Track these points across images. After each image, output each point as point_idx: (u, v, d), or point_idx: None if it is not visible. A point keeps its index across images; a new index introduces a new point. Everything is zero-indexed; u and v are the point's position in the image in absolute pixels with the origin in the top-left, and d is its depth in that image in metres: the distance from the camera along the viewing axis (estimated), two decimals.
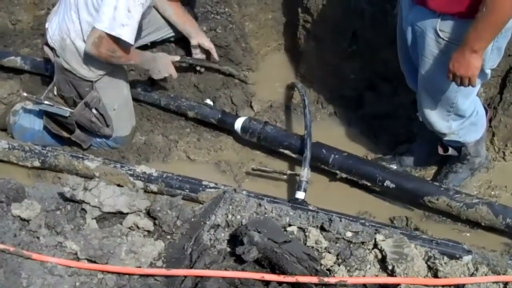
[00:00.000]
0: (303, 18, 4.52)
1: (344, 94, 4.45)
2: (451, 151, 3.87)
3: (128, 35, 3.64)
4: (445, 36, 3.12)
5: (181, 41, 4.55)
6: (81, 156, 4.06)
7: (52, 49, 3.99)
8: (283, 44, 4.84)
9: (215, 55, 4.45)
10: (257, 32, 4.80)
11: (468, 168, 3.97)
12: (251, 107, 4.59)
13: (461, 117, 3.57)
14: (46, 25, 4.03)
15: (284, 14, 4.70)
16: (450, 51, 3.08)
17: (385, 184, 3.82)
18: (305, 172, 3.82)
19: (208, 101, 4.49)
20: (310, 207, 3.59)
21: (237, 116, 4.28)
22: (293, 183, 4.00)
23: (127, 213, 3.06)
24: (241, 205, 3.04)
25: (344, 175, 3.98)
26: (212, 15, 4.58)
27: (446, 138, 3.74)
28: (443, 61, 3.14)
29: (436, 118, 3.58)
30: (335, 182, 4.12)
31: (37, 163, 4.10)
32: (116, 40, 3.68)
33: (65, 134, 4.18)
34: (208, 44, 4.41)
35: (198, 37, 4.39)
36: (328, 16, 4.25)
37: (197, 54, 4.48)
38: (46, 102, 4.02)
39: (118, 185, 3.60)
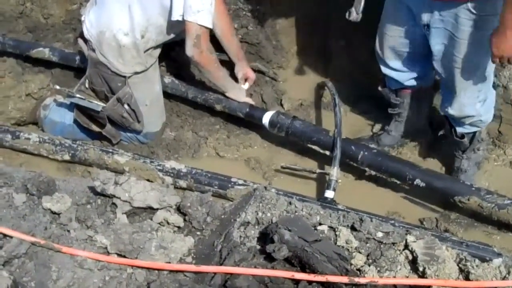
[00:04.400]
0: (334, 16, 4.50)
1: (374, 93, 4.42)
2: (465, 139, 3.85)
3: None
4: (481, 12, 3.12)
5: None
6: (111, 150, 4.07)
7: (87, 41, 3.99)
8: (314, 42, 4.80)
9: (249, 85, 4.42)
10: (288, 30, 4.78)
11: (474, 162, 3.98)
12: (281, 105, 4.57)
13: (486, 96, 3.59)
14: (82, 18, 4.02)
15: (315, 12, 4.66)
16: (488, 25, 3.10)
17: (415, 183, 3.76)
18: (334, 171, 3.79)
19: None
20: (339, 207, 3.57)
21: (265, 110, 4.23)
22: (322, 182, 3.99)
23: (157, 209, 3.06)
24: (271, 203, 3.03)
25: (373, 173, 3.94)
26: (244, 12, 4.57)
27: (468, 123, 3.73)
28: (483, 36, 3.14)
29: (467, 102, 3.58)
30: (362, 180, 4.11)
31: (67, 157, 4.11)
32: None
33: (95, 128, 4.19)
34: (243, 74, 4.38)
35: (239, 63, 4.37)
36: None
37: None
38: (78, 95, 4.03)
39: (148, 181, 3.60)
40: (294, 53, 4.87)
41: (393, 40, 3.71)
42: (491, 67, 3.43)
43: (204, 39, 3.74)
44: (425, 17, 3.38)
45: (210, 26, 3.74)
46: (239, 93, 4.26)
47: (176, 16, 3.66)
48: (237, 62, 4.34)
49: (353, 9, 3.44)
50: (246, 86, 4.40)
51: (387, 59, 3.82)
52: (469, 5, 3.12)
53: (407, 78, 3.83)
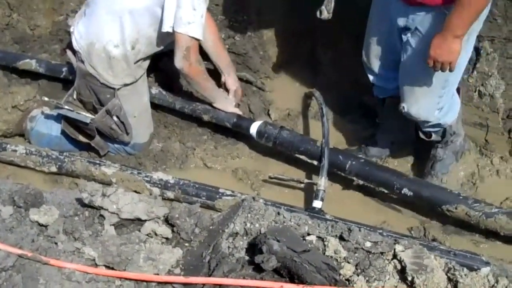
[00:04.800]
0: (321, 26, 4.52)
1: (363, 103, 4.44)
2: (434, 136, 3.90)
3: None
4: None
5: None
6: (98, 162, 4.06)
7: (75, 53, 3.99)
8: (301, 52, 4.81)
9: (237, 98, 4.42)
10: (276, 40, 4.79)
11: (451, 151, 4.00)
12: (269, 115, 4.57)
13: (445, 103, 3.62)
14: (71, 29, 4.02)
15: (302, 22, 4.68)
16: None
17: (402, 192, 3.78)
18: (322, 181, 3.80)
19: None
20: (328, 217, 3.57)
21: (252, 120, 4.24)
22: (310, 192, 3.99)
23: (145, 220, 3.06)
24: (259, 214, 3.03)
25: (361, 182, 3.95)
26: (231, 23, 4.59)
27: (428, 125, 3.77)
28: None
29: (426, 109, 3.61)
30: (350, 189, 4.12)
31: (54, 169, 4.11)
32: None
33: (83, 139, 4.17)
34: (232, 87, 4.38)
35: (227, 76, 4.36)
36: (347, 24, 4.24)
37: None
38: (66, 107, 4.02)
39: (135, 192, 3.61)
40: (282, 63, 4.87)
41: (377, 48, 3.74)
42: (455, 76, 3.47)
43: (193, 51, 3.75)
44: (401, 22, 3.42)
45: (201, 38, 3.75)
46: (226, 104, 4.27)
47: (166, 28, 3.66)
48: (226, 74, 4.34)
49: (323, 7, 3.46)
50: (233, 98, 4.40)
51: (374, 67, 3.84)
52: (443, 8, 3.16)
53: (393, 86, 3.84)
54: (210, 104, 4.25)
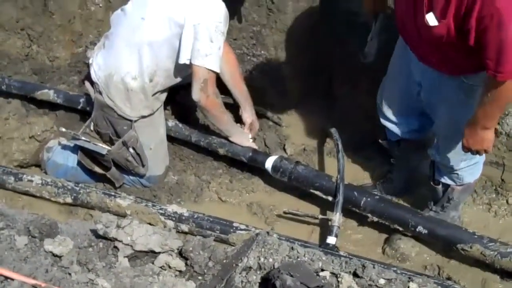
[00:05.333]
0: (339, 61, 4.55)
1: (378, 140, 4.44)
2: (439, 188, 3.87)
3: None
4: (469, 81, 3.15)
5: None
6: (113, 194, 4.09)
7: (93, 84, 4.04)
8: (318, 87, 4.84)
9: (253, 132, 4.46)
10: (292, 75, 4.83)
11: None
12: (284, 150, 4.59)
13: (473, 158, 3.59)
14: (90, 60, 4.07)
15: (319, 57, 4.72)
16: (476, 93, 3.10)
17: (417, 230, 3.78)
18: (337, 217, 3.81)
19: None
20: (341, 253, 3.57)
21: (268, 155, 4.25)
22: (325, 228, 3.99)
23: (159, 253, 3.06)
24: (273, 248, 3.03)
25: (375, 219, 3.95)
26: (248, 57, 4.63)
27: (448, 172, 3.75)
28: (471, 104, 3.16)
29: (453, 159, 3.61)
30: (365, 226, 4.13)
31: (69, 200, 4.14)
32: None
33: (99, 170, 4.20)
34: (248, 120, 4.42)
35: (244, 109, 4.42)
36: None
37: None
38: (83, 138, 4.05)
39: (149, 224, 3.62)
40: (298, 98, 4.91)
41: (392, 93, 3.77)
42: None
43: (211, 83, 3.78)
44: (417, 77, 3.44)
45: (218, 71, 3.78)
46: (242, 138, 4.29)
47: (183, 60, 3.70)
48: (243, 108, 4.38)
49: (367, 50, 3.49)
50: (249, 132, 4.43)
51: (385, 111, 3.86)
52: (461, 77, 3.17)
53: (404, 130, 3.86)
54: (226, 138, 4.27)
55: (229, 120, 4.21)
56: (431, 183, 3.88)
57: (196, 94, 3.79)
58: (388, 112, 3.85)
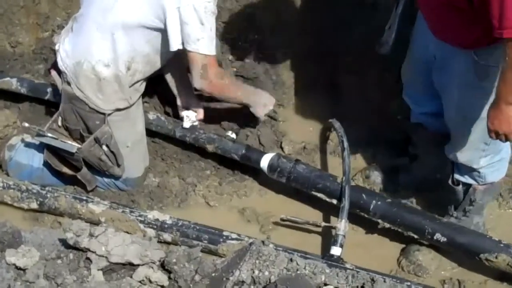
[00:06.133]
0: (343, 48, 4.55)
1: (388, 137, 4.44)
2: (459, 188, 3.86)
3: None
4: (483, 61, 3.17)
5: None
6: (85, 198, 4.06)
7: (61, 73, 4.01)
8: (320, 77, 4.83)
9: (200, 119, 4.41)
10: (290, 63, 4.82)
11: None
12: (281, 148, 4.57)
13: (493, 152, 3.61)
14: (56, 46, 4.04)
15: (321, 42, 4.71)
16: (490, 75, 3.14)
17: (435, 238, 3.76)
18: (342, 225, 3.78)
19: (230, 134, 4.46)
20: (347, 265, 3.56)
21: (263, 153, 4.23)
22: (328, 237, 3.98)
23: (138, 265, 3.06)
24: (269, 260, 3.03)
25: (386, 225, 3.94)
26: (240, 43, 4.62)
27: (467, 171, 3.76)
28: (483, 87, 3.20)
29: (470, 154, 3.62)
30: (374, 233, 4.12)
31: (34, 205, 4.11)
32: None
33: (68, 171, 4.18)
34: (198, 105, 4.39)
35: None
36: (373, 46, 4.27)
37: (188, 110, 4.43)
38: (49, 134, 4.02)
39: (127, 233, 3.60)
40: (297, 89, 4.90)
41: (411, 67, 3.80)
42: None
43: (210, 67, 3.78)
44: (432, 49, 3.47)
45: (214, 53, 3.79)
46: (268, 99, 4.29)
47: (175, 46, 3.70)
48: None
49: (383, 40, 3.49)
50: (192, 118, 4.37)
51: (407, 86, 3.91)
52: (472, 54, 3.18)
53: (421, 111, 3.91)
54: (216, 133, 4.28)
55: (244, 91, 4.20)
56: (451, 183, 3.88)
57: (197, 82, 3.81)
58: (409, 88, 3.89)
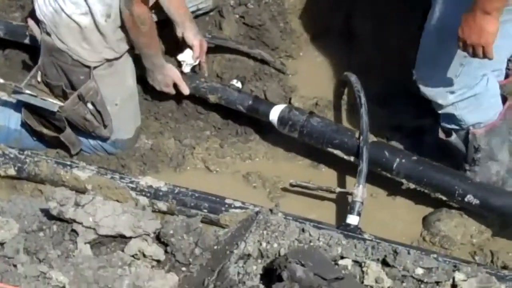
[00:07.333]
0: None
1: (412, 92, 4.42)
2: (454, 138, 3.88)
3: None
4: None
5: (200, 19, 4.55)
6: (69, 163, 4.07)
7: (39, 23, 3.99)
8: (333, 23, 4.80)
9: (202, 53, 4.36)
10: (300, 8, 4.80)
11: (484, 179, 3.93)
12: (290, 104, 4.55)
13: (464, 87, 3.62)
14: None
15: None
16: None
17: (466, 200, 3.75)
18: (359, 191, 3.78)
19: (235, 83, 4.42)
20: (366, 236, 3.56)
21: (273, 104, 4.22)
22: (343, 204, 4.00)
23: (131, 237, 3.06)
24: (278, 230, 3.03)
25: (411, 186, 3.93)
26: None
27: (442, 111, 3.78)
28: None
29: (435, 80, 3.65)
30: (397, 195, 4.13)
31: (12, 171, 4.13)
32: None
33: (49, 133, 4.17)
34: (194, 41, 4.30)
35: (184, 28, 4.29)
36: None
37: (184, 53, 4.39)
38: (28, 91, 4.00)
39: (117, 202, 3.60)
40: (308, 38, 4.87)
41: None
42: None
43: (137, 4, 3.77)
44: None
45: None
46: (162, 81, 4.24)
47: None
48: (182, 27, 4.29)
49: None
50: (189, 61, 4.35)
51: None
52: None
53: None
54: (221, 83, 4.33)
55: (154, 47, 4.14)
56: (441, 137, 3.92)
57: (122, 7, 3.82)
58: None
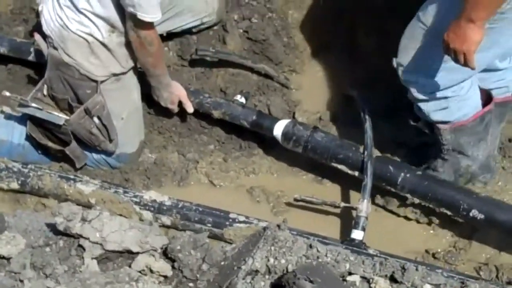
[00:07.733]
0: (363, 3, 4.52)
1: None
2: (420, 124, 3.95)
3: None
4: None
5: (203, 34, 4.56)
6: (72, 177, 4.08)
7: (46, 37, 3.99)
8: (338, 37, 4.81)
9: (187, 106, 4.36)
10: (304, 23, 4.80)
11: (451, 168, 3.99)
12: (294, 119, 4.55)
13: (438, 87, 3.65)
14: (40, 7, 4.01)
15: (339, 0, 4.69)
16: None
17: (471, 215, 3.74)
18: (364, 206, 3.79)
19: (239, 98, 4.41)
20: (371, 251, 3.56)
21: (277, 119, 4.23)
22: (348, 219, 4.00)
23: (138, 253, 3.06)
24: (286, 246, 3.03)
25: (416, 201, 3.93)
26: (247, 1, 4.59)
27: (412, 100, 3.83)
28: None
29: (414, 71, 3.66)
30: (399, 213, 4.11)
31: (15, 185, 4.12)
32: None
33: (54, 146, 4.18)
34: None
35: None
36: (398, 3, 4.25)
37: None
38: (33, 104, 4.00)
39: (124, 217, 3.60)
40: (311, 53, 4.87)
41: None
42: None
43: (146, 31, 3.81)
44: None
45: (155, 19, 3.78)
46: (168, 99, 4.26)
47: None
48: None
49: None
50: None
51: None
52: None
53: None
54: (224, 98, 4.33)
55: (161, 67, 4.15)
56: (411, 122, 4.02)
57: (129, 31, 3.82)
58: None
